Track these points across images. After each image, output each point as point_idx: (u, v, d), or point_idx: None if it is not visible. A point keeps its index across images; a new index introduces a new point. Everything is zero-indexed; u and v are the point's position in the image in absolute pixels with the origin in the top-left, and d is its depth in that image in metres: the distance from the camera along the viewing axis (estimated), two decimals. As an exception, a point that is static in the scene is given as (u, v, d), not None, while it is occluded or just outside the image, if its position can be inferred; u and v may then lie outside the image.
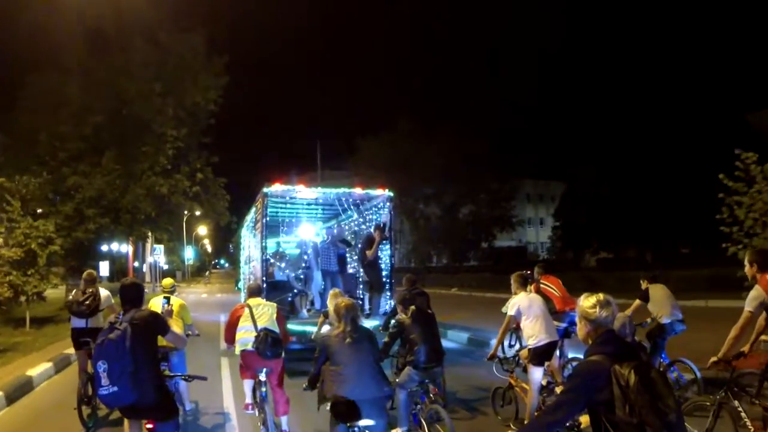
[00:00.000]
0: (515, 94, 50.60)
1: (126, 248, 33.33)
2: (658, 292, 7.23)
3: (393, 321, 6.06)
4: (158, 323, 4.07)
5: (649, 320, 7.17)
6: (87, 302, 6.89)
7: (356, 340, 4.20)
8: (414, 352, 5.52)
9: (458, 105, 41.02)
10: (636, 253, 38.15)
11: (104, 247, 43.03)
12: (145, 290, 4.74)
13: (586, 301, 2.76)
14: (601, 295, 2.76)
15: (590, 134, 46.46)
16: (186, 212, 25.62)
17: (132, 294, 4.10)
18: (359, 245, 10.77)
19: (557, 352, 6.67)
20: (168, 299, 5.66)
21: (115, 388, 3.59)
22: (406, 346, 5.67)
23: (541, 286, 7.66)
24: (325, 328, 6.55)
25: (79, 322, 6.93)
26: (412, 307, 5.85)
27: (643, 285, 7.44)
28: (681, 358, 6.82)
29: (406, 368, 5.56)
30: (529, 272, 7.59)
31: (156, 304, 5.91)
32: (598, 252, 41.60)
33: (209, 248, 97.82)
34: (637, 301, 7.25)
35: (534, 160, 46.23)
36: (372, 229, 10.04)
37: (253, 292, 6.33)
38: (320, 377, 4.31)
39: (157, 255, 33.04)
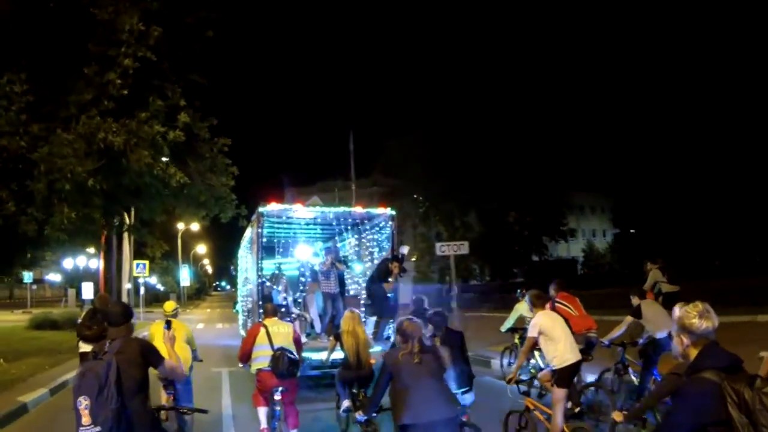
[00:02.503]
0: (563, 102, 47.52)
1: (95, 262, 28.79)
2: (650, 307, 7.51)
3: None
4: (149, 354, 3.78)
5: (644, 337, 7.42)
6: (94, 326, 7.11)
7: (423, 361, 4.26)
8: (443, 375, 5.30)
9: (501, 107, 38.88)
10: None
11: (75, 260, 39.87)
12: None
13: (685, 312, 2.70)
14: (699, 305, 2.71)
15: (636, 146, 44.31)
16: (166, 191, 14.49)
17: (118, 318, 3.83)
18: (364, 269, 11.42)
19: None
20: (169, 324, 5.16)
21: (98, 429, 3.34)
22: None
23: (557, 305, 7.41)
24: (336, 354, 7.01)
25: (86, 347, 6.99)
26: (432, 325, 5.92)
27: (634, 301, 7.71)
28: (675, 372, 6.49)
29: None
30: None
31: (158, 331, 5.87)
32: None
33: (209, 269, 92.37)
34: (629, 318, 7.55)
35: (581, 171, 44.63)
36: (389, 261, 10.35)
37: (269, 312, 6.67)
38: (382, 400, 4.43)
39: (141, 273, 28.88)
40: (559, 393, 5.90)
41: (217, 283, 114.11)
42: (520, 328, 9.91)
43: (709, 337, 2.64)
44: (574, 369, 6.01)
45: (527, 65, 52.29)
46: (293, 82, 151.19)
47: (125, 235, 27.90)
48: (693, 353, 2.66)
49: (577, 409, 6.39)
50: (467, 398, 5.75)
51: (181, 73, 13.95)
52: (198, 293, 74.87)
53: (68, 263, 43.71)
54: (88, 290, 28.66)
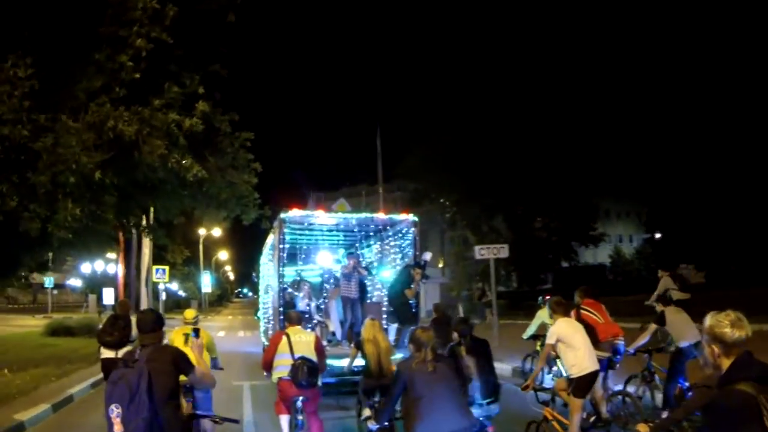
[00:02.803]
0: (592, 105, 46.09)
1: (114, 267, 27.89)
2: (674, 315, 7.45)
3: (446, 350, 5.72)
4: (181, 361, 3.79)
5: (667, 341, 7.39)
6: (115, 332, 7.05)
7: (438, 369, 4.21)
8: (468, 386, 5.31)
9: (528, 109, 37.25)
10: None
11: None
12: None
13: (717, 320, 2.63)
14: (731, 313, 2.65)
15: (666, 150, 44.77)
16: (183, 191, 13.63)
17: (149, 325, 3.85)
18: (385, 275, 11.61)
19: (600, 384, 6.82)
20: (197, 332, 5.19)
21: None
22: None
23: (582, 312, 7.39)
24: (358, 361, 6.94)
25: (108, 353, 7.06)
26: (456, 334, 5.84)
27: (658, 308, 7.72)
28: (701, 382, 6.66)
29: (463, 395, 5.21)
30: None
31: (178, 337, 5.80)
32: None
33: (231, 276, 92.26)
34: (653, 325, 7.54)
35: (606, 175, 43.35)
36: (412, 267, 10.44)
37: (293, 320, 6.61)
38: (396, 410, 4.40)
39: (161, 278, 28.01)
40: (575, 403, 5.89)
41: (239, 290, 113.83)
42: (542, 335, 9.77)
43: (741, 346, 2.55)
44: (591, 378, 5.98)
45: (556, 69, 51.00)
46: (318, 83, 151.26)
47: (144, 239, 26.75)
48: (725, 363, 2.56)
49: (591, 419, 6.33)
50: (493, 409, 5.55)
51: (200, 63, 12.69)
52: (220, 300, 74.26)
53: (86, 268, 43.31)
54: (109, 296, 28.63)
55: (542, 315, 9.82)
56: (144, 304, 26.88)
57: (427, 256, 11.10)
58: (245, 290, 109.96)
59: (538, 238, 38.24)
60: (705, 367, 2.81)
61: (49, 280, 43.46)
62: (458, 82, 57.19)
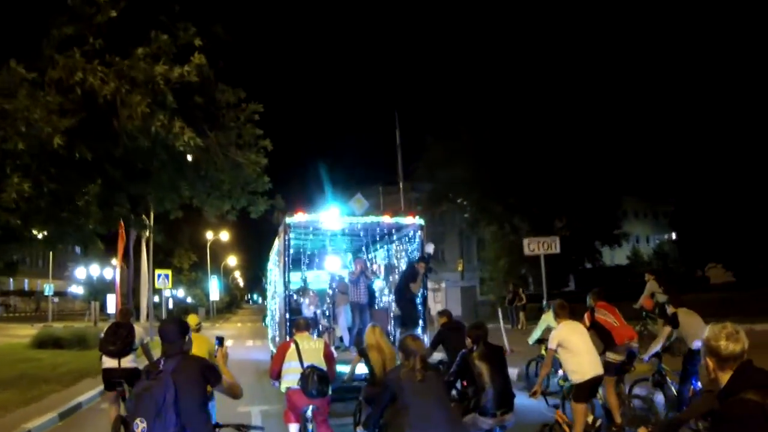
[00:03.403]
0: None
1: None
2: (686, 316, 7.37)
3: (457, 358, 5.67)
4: (209, 372, 3.66)
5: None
6: (117, 341, 6.99)
7: (426, 378, 4.20)
8: (481, 395, 5.17)
9: (549, 108, 35.22)
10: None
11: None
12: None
13: (713, 332, 2.60)
14: (729, 326, 2.61)
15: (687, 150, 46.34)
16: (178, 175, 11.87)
17: (173, 335, 3.65)
18: (393, 277, 11.65)
19: (614, 389, 6.95)
20: (221, 340, 4.72)
21: None
22: (470, 388, 5.50)
23: (597, 315, 7.29)
24: (360, 368, 6.87)
25: (110, 362, 7.03)
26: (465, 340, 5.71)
27: (670, 310, 7.63)
28: None
29: (471, 414, 5.26)
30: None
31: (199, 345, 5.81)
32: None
33: (241, 282, 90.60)
34: (667, 328, 7.51)
35: (625, 175, 41.90)
36: (415, 261, 10.43)
37: (301, 327, 6.47)
38: (385, 419, 4.40)
39: (163, 284, 25.78)
40: (578, 408, 5.88)
41: (249, 296, 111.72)
42: (547, 339, 9.57)
43: (737, 360, 2.50)
44: (593, 384, 5.99)
45: (581, 65, 49.00)
46: (333, 76, 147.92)
47: (144, 242, 24.20)
48: (722, 378, 2.53)
49: (598, 423, 6.26)
50: (507, 419, 5.28)
51: (199, 21, 10.30)
52: (229, 307, 72.16)
53: (81, 273, 41.30)
54: (112, 303, 26.77)
55: (547, 319, 9.74)
56: (144, 313, 24.36)
57: (430, 248, 10.92)
58: (255, 296, 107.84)
59: (561, 238, 36.48)
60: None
61: (48, 288, 42.34)
62: (480, 76, 55.65)
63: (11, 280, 68.08)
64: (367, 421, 4.68)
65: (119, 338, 7.05)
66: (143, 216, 15.35)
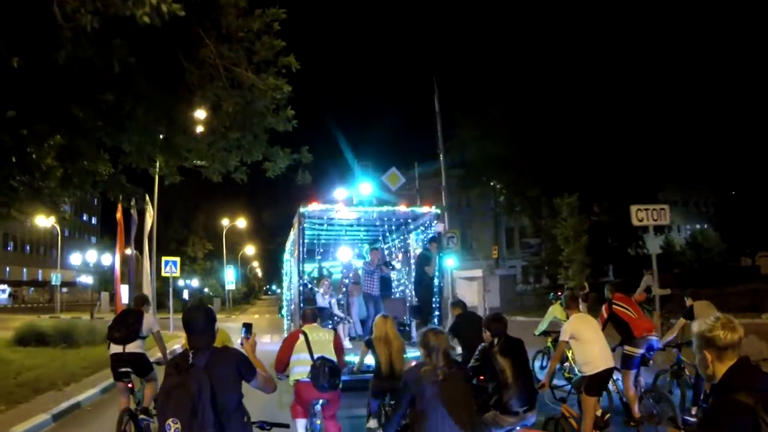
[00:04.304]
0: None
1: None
2: (703, 309, 7.56)
3: (476, 352, 5.50)
4: (244, 366, 3.40)
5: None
6: (123, 327, 6.93)
7: (449, 377, 3.91)
8: (503, 392, 4.98)
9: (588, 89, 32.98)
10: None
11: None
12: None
13: (706, 324, 2.52)
14: (722, 316, 2.54)
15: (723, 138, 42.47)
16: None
17: (200, 325, 3.32)
18: (410, 265, 11.76)
19: (632, 382, 7.00)
20: (249, 328, 4.18)
21: None
22: (489, 383, 5.23)
23: (615, 307, 7.31)
24: (368, 359, 6.83)
25: (116, 348, 6.97)
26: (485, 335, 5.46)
27: (688, 302, 7.92)
28: None
29: (492, 412, 5.07)
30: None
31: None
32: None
33: (259, 272, 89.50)
34: (682, 320, 7.76)
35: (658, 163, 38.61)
36: (427, 243, 10.60)
37: (308, 317, 6.31)
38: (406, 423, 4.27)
39: (171, 272, 23.09)
40: (588, 401, 5.89)
41: (268, 286, 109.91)
42: (553, 331, 9.98)
43: (735, 349, 2.45)
44: (605, 376, 6.00)
45: (623, 49, 45.75)
46: (363, 52, 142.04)
47: (147, 224, 21.39)
48: (719, 369, 2.46)
49: (607, 416, 6.17)
50: (529, 417, 5.13)
51: None
52: (246, 297, 70.17)
53: (76, 259, 38.97)
54: (125, 294, 23.71)
55: (554, 311, 10.02)
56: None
57: (440, 227, 11.39)
58: (274, 287, 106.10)
59: (602, 224, 34.78)
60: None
61: (56, 277, 40.28)
62: (515, 49, 52.52)
63: (24, 270, 66.89)
64: (386, 425, 4.31)
65: (125, 325, 6.97)
66: (129, 185, 11.84)
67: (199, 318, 3.29)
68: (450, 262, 17.75)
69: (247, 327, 4.17)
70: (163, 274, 24.81)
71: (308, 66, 8.90)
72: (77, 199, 10.15)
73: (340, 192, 22.32)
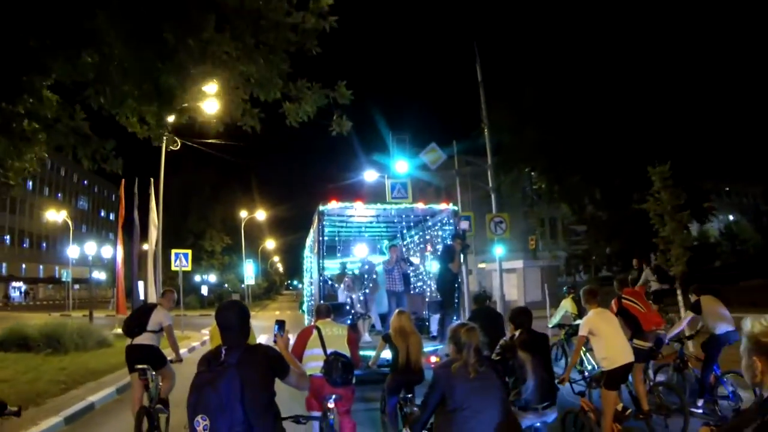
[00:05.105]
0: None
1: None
2: (709, 303, 7.87)
3: (497, 346, 5.50)
4: (277, 363, 3.43)
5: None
6: (133, 321, 7.27)
7: (481, 375, 3.75)
8: (522, 387, 4.96)
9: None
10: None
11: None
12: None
13: (761, 326, 2.22)
14: None
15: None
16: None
17: (234, 321, 3.35)
18: (431, 261, 12.07)
19: (641, 375, 7.34)
20: (282, 325, 4.17)
21: None
22: (509, 378, 5.22)
23: (624, 301, 7.50)
24: (385, 353, 6.87)
25: (129, 341, 7.31)
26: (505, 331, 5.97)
27: (692, 298, 8.12)
28: (735, 369, 7.21)
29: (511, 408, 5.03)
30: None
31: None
32: None
33: (281, 267, 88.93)
34: (689, 313, 8.05)
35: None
36: (452, 239, 10.74)
37: (322, 313, 6.44)
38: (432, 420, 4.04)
39: (181, 266, 22.93)
40: (608, 395, 6.01)
41: (289, 282, 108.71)
42: (566, 324, 10.29)
43: None
44: (624, 371, 6.12)
45: (677, 31, 42.87)
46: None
47: (152, 211, 19.12)
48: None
49: (628, 411, 6.24)
50: (549, 414, 5.12)
51: None
52: (267, 293, 68.59)
53: (73, 252, 37.25)
54: (142, 289, 22.28)
55: (566, 304, 10.35)
56: (152, 298, 19.15)
57: (465, 224, 12.15)
58: (296, 282, 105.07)
59: (638, 213, 31.54)
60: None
61: (66, 273, 39.53)
62: (551, 26, 49.79)
63: (40, 267, 65.94)
64: (413, 425, 4.38)
65: (135, 318, 7.28)
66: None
67: (233, 315, 3.33)
68: (499, 250, 16.86)
69: (280, 324, 4.19)
70: (173, 267, 22.95)
71: (341, 29, 6.88)
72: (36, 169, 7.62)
73: (370, 174, 19.99)
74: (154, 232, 20.58)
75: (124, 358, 7.18)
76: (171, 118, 8.13)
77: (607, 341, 5.99)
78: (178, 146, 9.11)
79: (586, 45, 33.63)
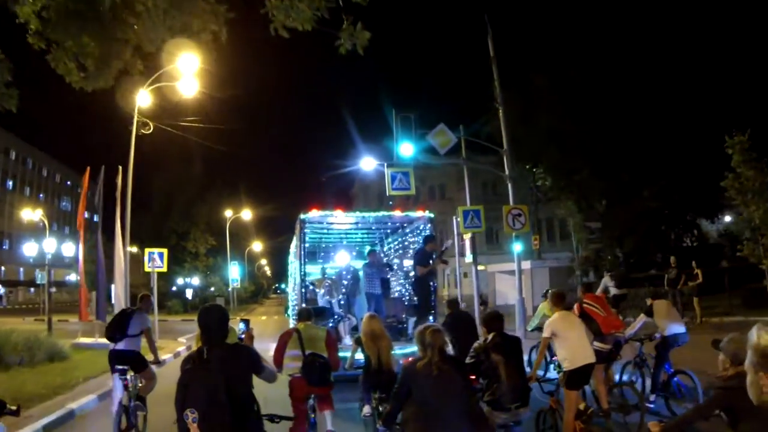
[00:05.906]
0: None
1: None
2: (661, 307, 8.50)
3: (471, 349, 5.70)
4: (253, 360, 3.74)
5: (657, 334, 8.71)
6: (112, 326, 7.56)
7: (444, 373, 4.02)
8: (495, 388, 5.21)
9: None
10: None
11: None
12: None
13: (765, 338, 2.19)
14: None
15: None
16: None
17: (215, 323, 3.65)
18: (405, 265, 12.72)
19: (602, 376, 7.64)
20: (247, 323, 5.11)
21: None
22: (483, 380, 5.49)
23: (585, 305, 8.03)
24: (359, 355, 7.18)
25: (111, 346, 7.52)
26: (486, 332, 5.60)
27: (648, 302, 8.78)
28: (684, 369, 8.03)
29: (484, 409, 5.21)
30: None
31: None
32: None
33: (268, 271, 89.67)
34: (642, 316, 8.59)
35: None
36: (424, 244, 11.18)
37: (303, 316, 6.83)
38: (400, 416, 4.33)
39: (156, 267, 20.49)
40: (569, 395, 6.35)
41: (277, 285, 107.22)
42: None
43: None
44: (584, 371, 6.41)
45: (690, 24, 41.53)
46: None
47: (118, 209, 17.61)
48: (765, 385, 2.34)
49: (590, 410, 6.66)
50: (521, 414, 5.42)
51: None
52: (254, 296, 67.00)
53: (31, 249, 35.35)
54: (116, 294, 19.72)
55: (543, 308, 10.88)
56: (122, 304, 17.29)
57: (449, 243, 12.42)
58: (283, 286, 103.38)
59: (650, 211, 30.65)
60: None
61: (41, 276, 37.09)
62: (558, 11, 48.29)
63: (21, 270, 63.89)
64: (386, 418, 4.34)
65: (115, 323, 7.53)
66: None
67: (213, 316, 3.60)
68: (517, 247, 16.24)
69: (246, 322, 4.90)
70: (146, 268, 20.90)
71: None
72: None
73: (367, 162, 18.48)
74: (119, 230, 18.45)
75: (86, 369, 8.30)
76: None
77: (568, 343, 6.35)
78: (150, 130, 8.04)
79: (603, 29, 32.50)
